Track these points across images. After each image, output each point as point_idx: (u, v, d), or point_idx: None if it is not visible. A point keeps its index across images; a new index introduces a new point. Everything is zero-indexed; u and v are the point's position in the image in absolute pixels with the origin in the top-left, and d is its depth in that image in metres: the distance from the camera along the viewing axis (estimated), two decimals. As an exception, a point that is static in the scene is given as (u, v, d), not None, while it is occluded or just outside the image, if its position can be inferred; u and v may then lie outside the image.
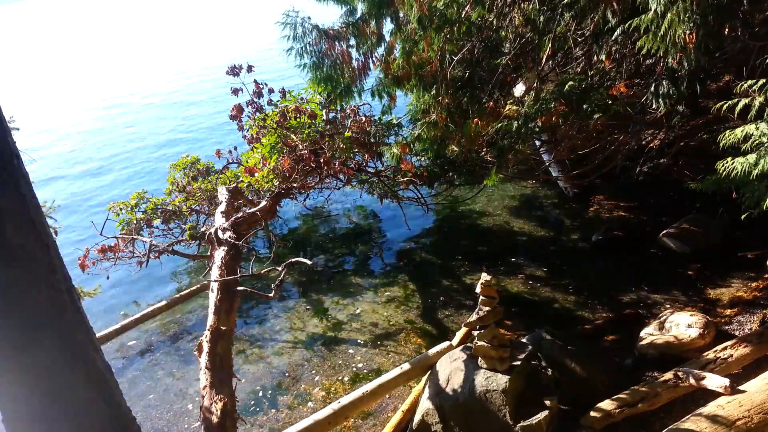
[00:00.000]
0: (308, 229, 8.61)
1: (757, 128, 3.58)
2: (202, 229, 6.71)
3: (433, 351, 4.74)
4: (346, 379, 5.21)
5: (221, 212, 5.66)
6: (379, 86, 6.52)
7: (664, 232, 6.52)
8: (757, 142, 3.62)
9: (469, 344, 4.38)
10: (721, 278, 5.76)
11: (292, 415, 4.82)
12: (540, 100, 5.02)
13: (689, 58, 3.75)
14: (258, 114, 7.38)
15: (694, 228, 6.38)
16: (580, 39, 5.18)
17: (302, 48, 6.06)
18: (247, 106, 7.19)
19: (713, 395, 3.75)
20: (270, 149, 7.15)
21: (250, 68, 6.61)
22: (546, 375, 4.14)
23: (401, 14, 5.89)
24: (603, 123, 6.36)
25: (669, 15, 3.58)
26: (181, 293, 6.85)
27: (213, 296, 4.29)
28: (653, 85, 4.64)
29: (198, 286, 6.92)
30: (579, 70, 5.47)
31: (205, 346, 3.86)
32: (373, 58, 6.35)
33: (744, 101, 3.65)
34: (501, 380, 3.85)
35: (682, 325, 4.72)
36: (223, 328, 4.02)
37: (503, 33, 5.79)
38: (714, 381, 3.79)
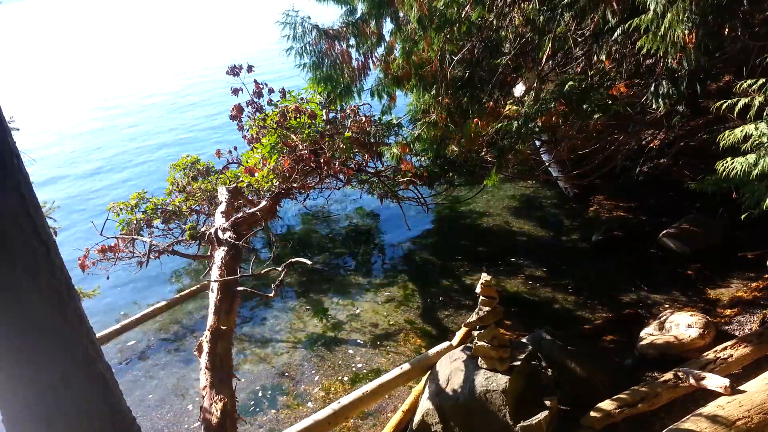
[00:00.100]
0: (308, 230, 8.61)
1: (756, 128, 3.58)
2: (202, 229, 6.71)
3: (433, 351, 4.74)
4: (345, 379, 5.21)
5: (221, 212, 5.66)
6: (379, 86, 6.51)
7: (664, 232, 6.52)
8: (756, 142, 3.62)
9: (469, 344, 4.38)
10: (721, 278, 5.76)
11: (291, 415, 4.82)
12: (540, 100, 5.02)
13: (689, 58, 3.75)
14: (258, 114, 7.38)
15: (694, 228, 6.39)
16: (580, 39, 5.18)
17: (302, 48, 6.06)
18: (247, 106, 7.19)
19: (713, 395, 3.75)
20: (270, 149, 7.15)
21: (250, 68, 6.61)
22: (546, 375, 4.14)
23: (401, 14, 5.89)
24: (603, 123, 6.35)
25: (668, 15, 3.57)
26: (181, 293, 6.85)
27: (213, 296, 4.29)
28: (653, 85, 4.64)
29: (198, 286, 6.93)
30: (579, 70, 5.46)
31: (205, 346, 3.86)
32: (373, 58, 6.35)
33: (744, 101, 3.65)
34: (501, 380, 3.85)
35: (682, 325, 4.72)
36: (223, 328, 4.02)
37: (503, 33, 5.79)
38: (714, 381, 3.79)
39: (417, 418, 4.25)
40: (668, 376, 4.07)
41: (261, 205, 6.29)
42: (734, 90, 3.80)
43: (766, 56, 3.91)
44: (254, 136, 7.72)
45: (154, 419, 5.00)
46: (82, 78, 24.60)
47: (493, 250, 7.20)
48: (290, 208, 9.07)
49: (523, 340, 4.66)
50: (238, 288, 4.44)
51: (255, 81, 6.99)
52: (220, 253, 4.73)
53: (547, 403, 3.82)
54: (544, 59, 5.16)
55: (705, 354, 4.29)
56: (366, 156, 7.49)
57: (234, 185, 6.58)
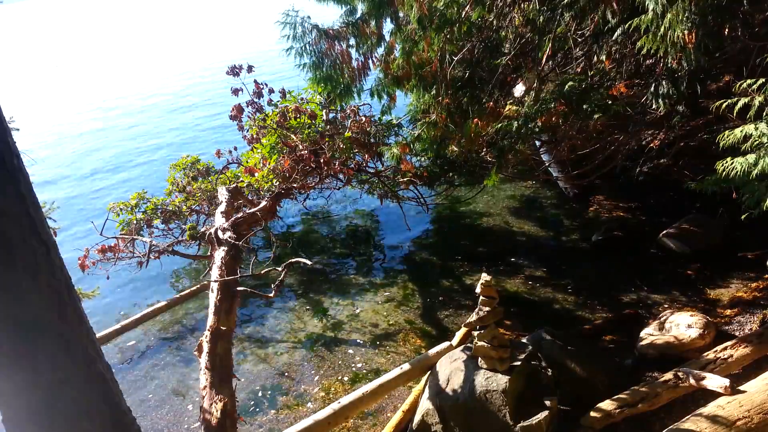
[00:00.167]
0: (308, 230, 8.61)
1: (756, 128, 3.58)
2: (202, 230, 6.71)
3: (433, 351, 4.74)
4: (345, 379, 5.22)
5: (221, 212, 5.66)
6: (379, 86, 6.51)
7: (664, 232, 6.52)
8: (756, 142, 3.62)
9: (469, 344, 4.38)
10: (721, 278, 5.76)
11: (291, 415, 4.82)
12: (540, 100, 5.02)
13: (689, 58, 3.75)
14: (258, 114, 7.38)
15: (694, 228, 6.38)
16: (580, 39, 5.18)
17: (302, 48, 6.06)
18: (247, 107, 7.20)
19: (713, 395, 3.75)
20: (270, 149, 7.16)
21: (250, 68, 6.61)
22: (546, 375, 4.14)
23: (401, 14, 5.88)
24: (603, 123, 6.34)
25: (668, 15, 3.57)
26: (181, 293, 6.85)
27: (213, 296, 4.30)
28: (653, 85, 4.64)
29: (198, 286, 6.93)
30: (579, 70, 5.46)
31: (205, 346, 3.86)
32: (373, 58, 6.34)
33: (743, 100, 3.65)
34: (501, 380, 3.85)
35: (682, 325, 4.71)
36: (223, 328, 4.02)
37: (503, 33, 5.78)
38: (714, 381, 3.79)
39: (417, 418, 4.25)
40: (668, 376, 4.07)
41: (261, 205, 6.29)
42: (734, 90, 3.80)
43: (766, 56, 3.90)
44: (254, 136, 7.72)
45: (154, 419, 5.00)
46: (83, 78, 24.60)
47: (493, 250, 7.20)
48: (290, 208, 9.07)
49: (523, 340, 4.66)
50: (238, 288, 4.44)
51: (255, 81, 6.99)
52: (220, 253, 4.73)
53: (547, 403, 3.82)
54: (544, 59, 5.16)
55: (705, 354, 4.29)
56: (366, 156, 7.50)
57: (234, 185, 6.59)
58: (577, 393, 4.24)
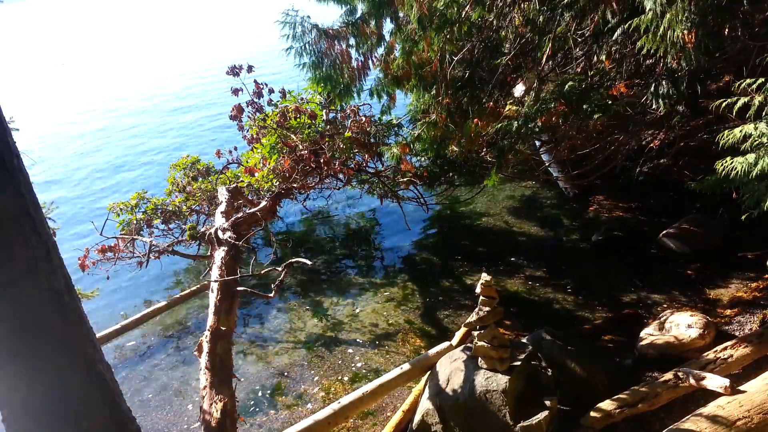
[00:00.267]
0: (308, 230, 8.61)
1: (755, 128, 3.58)
2: (202, 230, 6.71)
3: (433, 351, 4.74)
4: (345, 379, 5.22)
5: (221, 212, 5.66)
6: (379, 86, 6.51)
7: (664, 232, 6.52)
8: (756, 142, 3.62)
9: (469, 344, 4.38)
10: (721, 278, 5.76)
11: (291, 415, 4.82)
12: (540, 100, 5.02)
13: (688, 58, 3.75)
14: (258, 114, 7.38)
15: (694, 228, 6.38)
16: (580, 39, 5.17)
17: (302, 47, 6.06)
18: (247, 107, 7.19)
19: (713, 395, 3.75)
20: (270, 149, 7.16)
21: (250, 68, 6.61)
22: (546, 375, 4.14)
23: (401, 14, 5.88)
24: (603, 123, 6.35)
25: (667, 15, 3.57)
26: (181, 293, 6.85)
27: (213, 296, 4.30)
28: (653, 85, 4.64)
29: (198, 286, 6.93)
30: (579, 70, 5.46)
31: (205, 347, 3.87)
32: (373, 58, 6.34)
33: (743, 100, 3.65)
34: (501, 380, 3.85)
35: (682, 325, 4.71)
36: (223, 328, 4.02)
37: (503, 33, 5.78)
38: (714, 381, 3.79)
39: (417, 418, 4.25)
40: (668, 376, 4.07)
41: (261, 205, 6.29)
42: (733, 89, 3.80)
43: (766, 56, 3.90)
44: (254, 136, 7.73)
45: (154, 419, 5.00)
46: (84, 78, 24.61)
47: (493, 250, 7.20)
48: (290, 209, 9.07)
49: (523, 340, 4.66)
50: (238, 288, 4.44)
51: (255, 81, 6.99)
52: (220, 253, 4.73)
53: (547, 403, 3.82)
54: (544, 59, 5.16)
55: (705, 354, 4.29)
56: (366, 156, 7.50)
57: (234, 185, 6.59)
58: (577, 393, 4.24)
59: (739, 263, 5.88)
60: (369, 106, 7.55)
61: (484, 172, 6.65)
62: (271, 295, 4.49)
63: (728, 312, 5.17)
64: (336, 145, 7.12)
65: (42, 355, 2.05)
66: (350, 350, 5.64)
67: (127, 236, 6.71)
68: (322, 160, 6.83)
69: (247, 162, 7.31)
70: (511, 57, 5.74)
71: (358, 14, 6.14)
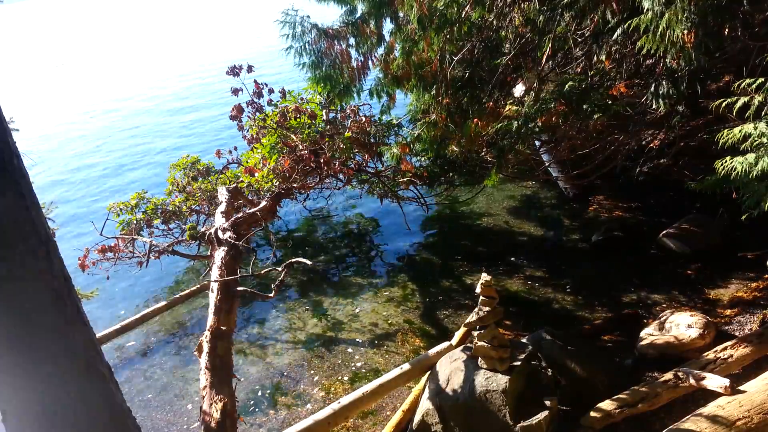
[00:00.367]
0: (308, 230, 8.61)
1: (755, 128, 3.58)
2: (202, 230, 6.72)
3: (433, 351, 4.74)
4: (345, 378, 5.22)
5: (221, 212, 5.66)
6: (379, 86, 6.51)
7: (664, 232, 6.52)
8: (756, 142, 3.62)
9: (469, 344, 4.38)
10: (721, 278, 5.76)
11: (291, 415, 4.82)
12: (540, 100, 5.02)
13: (688, 58, 3.75)
14: (258, 114, 7.38)
15: (694, 228, 6.38)
16: (580, 39, 5.17)
17: (301, 47, 6.06)
18: (247, 107, 7.19)
19: (713, 395, 3.75)
20: (270, 149, 7.16)
21: (250, 68, 6.61)
22: (546, 375, 4.14)
23: (401, 14, 5.89)
24: (603, 123, 6.35)
25: (666, 15, 3.57)
26: (181, 293, 6.85)
27: (213, 296, 4.30)
28: (653, 85, 4.63)
29: (198, 286, 6.93)
30: (579, 70, 5.45)
31: (205, 347, 3.87)
32: (373, 58, 6.35)
33: (743, 99, 3.65)
34: (501, 380, 3.85)
35: (682, 325, 4.71)
36: (223, 328, 4.02)
37: (503, 33, 5.78)
38: (714, 381, 3.78)
39: (417, 418, 4.25)
40: (668, 376, 4.07)
41: (261, 205, 6.29)
42: (733, 89, 3.80)
43: (766, 56, 3.90)
44: (254, 136, 7.73)
45: (154, 419, 5.00)
46: (85, 78, 24.62)
47: (493, 250, 7.20)
48: (290, 209, 9.07)
49: (523, 340, 4.66)
50: (238, 288, 4.44)
51: (255, 81, 6.99)
52: (220, 253, 4.74)
53: (547, 403, 3.82)
54: (544, 59, 5.16)
55: (705, 354, 4.29)
56: (366, 156, 7.50)
57: (234, 185, 6.59)
58: (577, 393, 4.24)
59: (739, 263, 5.88)
60: (369, 106, 7.55)
61: (484, 172, 6.65)
62: (271, 295, 4.49)
63: (728, 312, 5.17)
64: (336, 145, 7.12)
65: (42, 356, 2.05)
66: (350, 350, 5.64)
67: (127, 236, 6.71)
68: (322, 160, 6.83)
69: (247, 162, 7.32)
70: (511, 57, 5.74)
71: (358, 14, 6.14)
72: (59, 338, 2.09)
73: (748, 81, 3.64)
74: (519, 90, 6.21)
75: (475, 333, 3.99)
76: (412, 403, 4.52)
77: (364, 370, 5.30)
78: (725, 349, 4.25)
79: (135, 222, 6.96)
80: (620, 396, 4.02)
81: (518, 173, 8.46)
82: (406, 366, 4.66)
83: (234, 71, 6.53)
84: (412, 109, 6.94)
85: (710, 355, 4.24)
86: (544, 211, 8.08)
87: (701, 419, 3.49)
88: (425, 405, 4.21)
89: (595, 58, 5.17)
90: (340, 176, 7.48)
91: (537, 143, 8.65)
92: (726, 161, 3.78)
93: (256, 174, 6.87)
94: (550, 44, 4.95)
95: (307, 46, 6.07)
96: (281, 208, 8.00)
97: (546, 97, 5.02)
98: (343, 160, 7.02)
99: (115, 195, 10.25)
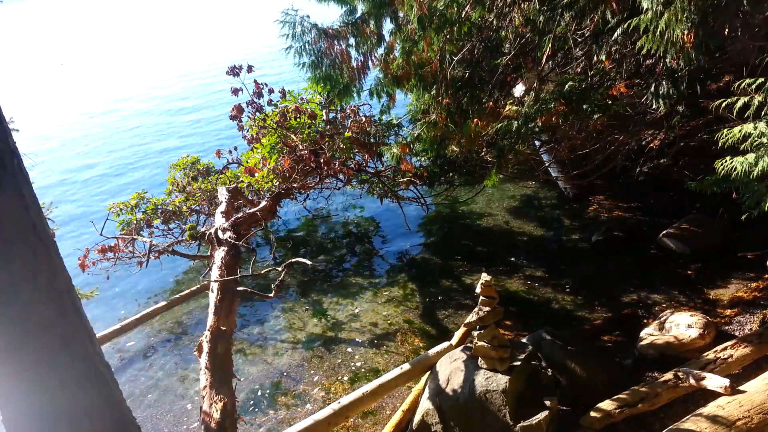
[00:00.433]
0: (308, 230, 8.61)
1: (755, 128, 3.58)
2: (202, 230, 6.71)
3: (433, 351, 4.75)
4: (345, 378, 5.22)
5: (221, 212, 5.66)
6: (379, 86, 6.51)
7: (664, 232, 6.52)
8: (756, 142, 3.62)
9: (469, 344, 4.38)
10: (721, 278, 5.76)
11: (291, 416, 4.82)
12: (540, 100, 5.02)
13: (688, 58, 3.75)
14: (258, 114, 7.38)
15: (694, 228, 6.38)
16: (580, 39, 5.17)
17: (301, 47, 6.05)
18: (247, 107, 7.19)
19: (713, 395, 3.75)
20: (270, 149, 7.16)
21: (250, 68, 6.61)
22: (546, 375, 4.14)
23: (401, 14, 5.88)
24: (603, 123, 6.35)
25: (666, 14, 3.57)
26: (181, 293, 6.85)
27: (213, 296, 4.30)
28: (653, 85, 4.64)
29: (198, 286, 6.93)
30: (579, 70, 5.46)
31: (205, 347, 3.87)
32: (373, 58, 6.34)
33: (743, 99, 3.65)
34: (501, 380, 3.85)
35: (682, 325, 4.71)
36: (223, 328, 4.02)
37: (503, 33, 5.78)
38: (714, 381, 3.79)
39: (417, 418, 4.25)
40: (668, 376, 4.07)
41: (261, 205, 6.29)
42: (733, 89, 3.80)
43: (766, 56, 3.90)
44: (254, 136, 7.73)
45: (154, 419, 5.00)
46: (86, 78, 24.61)
47: (493, 250, 7.20)
48: (290, 209, 9.07)
49: (523, 340, 4.66)
50: (238, 288, 4.44)
51: (255, 81, 6.99)
52: (220, 253, 4.74)
53: (547, 403, 3.82)
54: (544, 59, 5.16)
55: (705, 354, 4.29)
56: (366, 156, 7.50)
57: (234, 185, 6.59)
58: (577, 393, 4.24)
59: (739, 263, 5.88)
60: (369, 106, 7.55)
61: (484, 172, 6.65)
62: (271, 295, 4.49)
63: (728, 312, 5.17)
64: (336, 145, 7.12)
65: (42, 355, 2.05)
66: (350, 350, 5.64)
67: (127, 236, 6.71)
68: (322, 160, 6.83)
69: (247, 162, 7.31)
70: (511, 57, 5.74)
71: (358, 14, 6.14)
72: (59, 338, 2.09)
73: (748, 81, 3.64)
74: (519, 90, 6.21)
75: (475, 333, 3.99)
76: (412, 403, 4.52)
77: (363, 370, 5.30)
78: (725, 349, 4.26)
79: (135, 222, 6.95)
80: (620, 396, 4.02)
81: (518, 173, 8.47)
82: (406, 366, 4.66)
83: (234, 71, 6.53)
84: (412, 109, 6.94)
85: (710, 355, 4.24)
86: (544, 211, 8.08)
87: (701, 419, 3.49)
88: (425, 405, 4.21)
89: (595, 58, 5.17)
90: (340, 176, 7.48)
91: (537, 143, 8.66)
92: (726, 161, 3.78)
93: (256, 174, 6.87)
94: (550, 44, 4.95)
95: (306, 46, 6.07)
96: (281, 208, 8.00)
97: (546, 97, 5.02)
98: (343, 160, 7.02)
99: (115, 195, 10.25)
